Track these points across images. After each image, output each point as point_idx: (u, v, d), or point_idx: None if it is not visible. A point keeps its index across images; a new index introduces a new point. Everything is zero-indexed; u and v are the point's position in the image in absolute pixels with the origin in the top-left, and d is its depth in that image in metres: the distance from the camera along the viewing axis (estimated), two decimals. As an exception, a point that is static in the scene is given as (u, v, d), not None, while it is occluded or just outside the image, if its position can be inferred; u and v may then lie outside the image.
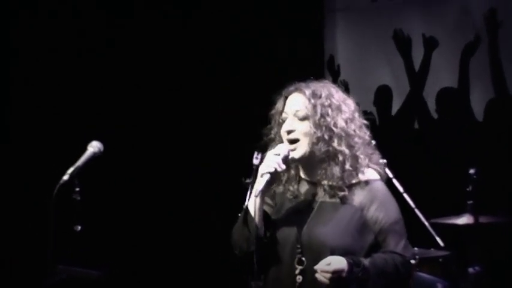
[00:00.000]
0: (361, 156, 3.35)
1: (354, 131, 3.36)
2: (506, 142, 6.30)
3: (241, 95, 7.06)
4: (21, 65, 6.73)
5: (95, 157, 3.48)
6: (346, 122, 3.35)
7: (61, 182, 3.37)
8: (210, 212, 6.99)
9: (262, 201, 3.34)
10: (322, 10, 7.64)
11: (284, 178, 3.43)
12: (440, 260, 5.01)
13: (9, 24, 6.70)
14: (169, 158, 7.10)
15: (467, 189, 4.89)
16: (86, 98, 6.84)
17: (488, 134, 6.52)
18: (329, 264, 3.18)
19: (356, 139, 3.36)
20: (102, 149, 3.51)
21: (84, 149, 3.52)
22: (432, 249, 5.10)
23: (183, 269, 6.97)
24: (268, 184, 3.29)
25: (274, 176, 3.30)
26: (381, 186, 3.39)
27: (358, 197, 3.33)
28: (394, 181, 4.97)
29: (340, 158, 3.31)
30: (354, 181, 3.34)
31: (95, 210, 5.36)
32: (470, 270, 4.90)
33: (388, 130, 7.18)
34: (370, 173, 3.38)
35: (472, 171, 4.88)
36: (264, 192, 3.30)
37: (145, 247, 6.92)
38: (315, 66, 7.25)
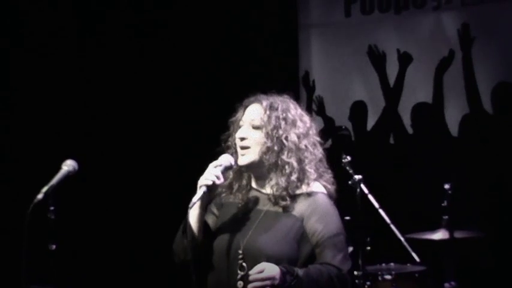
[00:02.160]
0: (310, 171, 3.42)
1: (306, 146, 3.44)
2: (480, 157, 6.32)
3: (240, 95, 7.04)
4: (22, 65, 6.71)
5: (69, 176, 3.47)
6: (298, 137, 3.43)
7: (35, 200, 3.35)
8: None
9: (203, 211, 3.42)
10: (296, 25, 7.66)
11: (235, 187, 3.52)
12: (416, 275, 5.01)
13: (9, 24, 6.70)
14: (163, 166, 7.08)
15: (443, 204, 4.89)
16: (85, 99, 6.85)
17: (463, 149, 6.54)
18: (262, 271, 3.22)
19: (306, 154, 3.43)
20: (76, 167, 3.51)
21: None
22: (408, 264, 5.10)
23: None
24: (206, 196, 3.37)
25: (212, 188, 3.37)
26: (323, 198, 3.44)
27: (300, 207, 3.40)
28: (370, 197, 4.97)
29: (288, 169, 3.39)
30: (298, 192, 3.41)
31: (70, 229, 5.32)
32: (447, 285, 4.90)
33: (364, 145, 7.19)
34: (315, 186, 3.45)
35: (447, 186, 4.88)
36: (204, 202, 3.39)
37: (121, 266, 6.87)
38: (290, 82, 7.26)
